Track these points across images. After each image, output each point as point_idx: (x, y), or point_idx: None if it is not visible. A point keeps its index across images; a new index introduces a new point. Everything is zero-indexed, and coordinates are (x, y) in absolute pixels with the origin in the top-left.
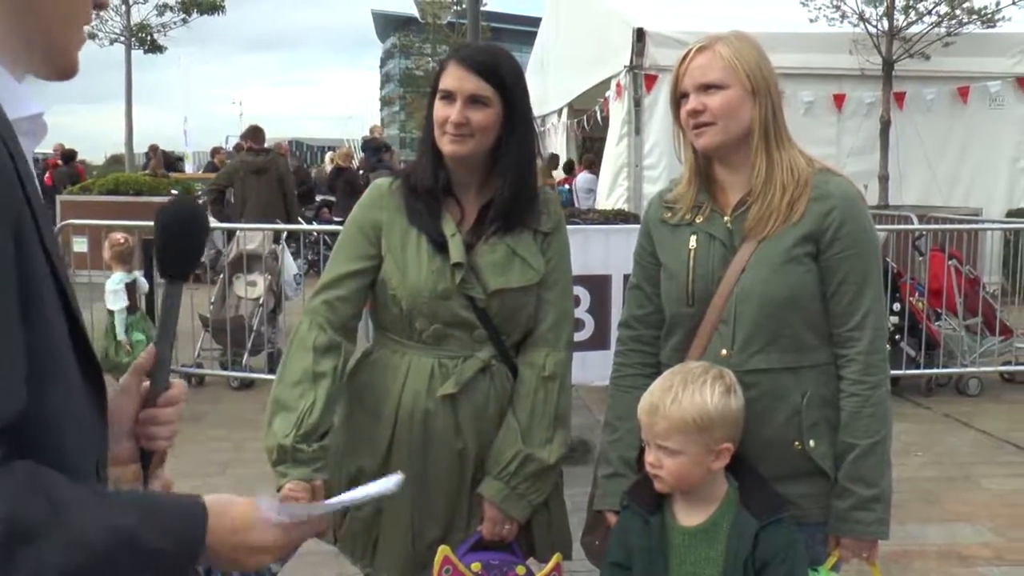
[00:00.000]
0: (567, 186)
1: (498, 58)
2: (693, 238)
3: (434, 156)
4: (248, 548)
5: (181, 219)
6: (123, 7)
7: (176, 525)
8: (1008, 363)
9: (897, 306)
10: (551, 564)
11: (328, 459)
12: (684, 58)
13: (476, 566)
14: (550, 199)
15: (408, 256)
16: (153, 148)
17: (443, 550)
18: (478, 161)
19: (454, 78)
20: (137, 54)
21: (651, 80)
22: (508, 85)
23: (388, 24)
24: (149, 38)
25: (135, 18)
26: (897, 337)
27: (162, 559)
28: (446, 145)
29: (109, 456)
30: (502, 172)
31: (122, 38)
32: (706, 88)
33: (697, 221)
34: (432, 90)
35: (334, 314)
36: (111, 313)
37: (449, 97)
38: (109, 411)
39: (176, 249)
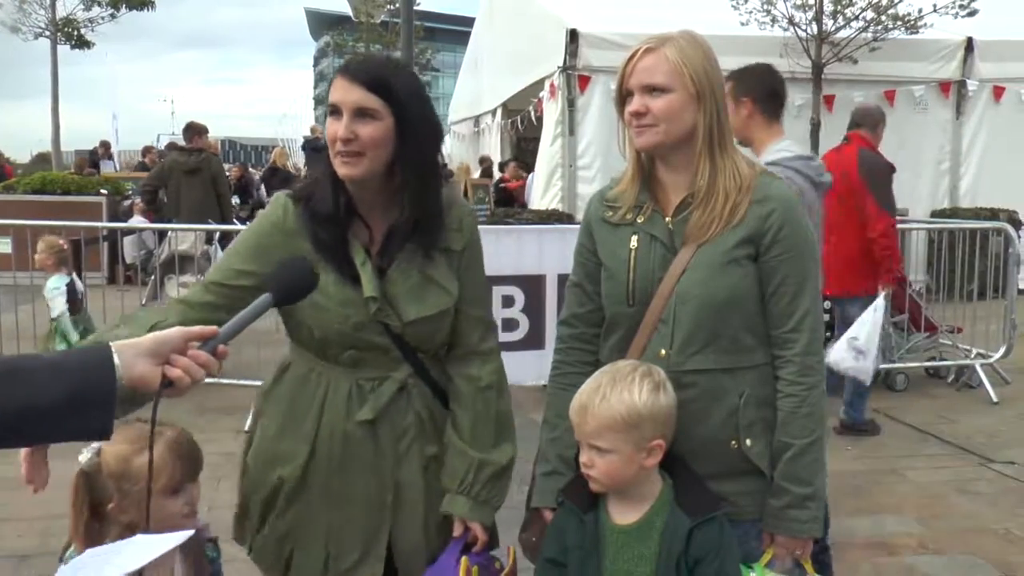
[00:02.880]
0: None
1: (387, 69)
2: (634, 238)
3: (333, 178)
4: None
5: (306, 274)
6: (48, 0)
7: None
8: (933, 359)
9: (828, 304)
10: (511, 552)
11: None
12: (632, 57)
13: (475, 571)
14: (464, 215)
15: (318, 287)
16: (104, 145)
17: (464, 562)
18: (377, 180)
19: (339, 91)
20: (63, 49)
21: (585, 81)
22: (398, 96)
23: (321, 22)
24: (76, 33)
25: (60, 12)
26: (828, 334)
27: None
28: (340, 167)
29: (135, 375)
30: (400, 192)
31: (47, 32)
32: (650, 90)
33: (639, 221)
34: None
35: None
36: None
37: (336, 112)
38: (158, 334)
39: (290, 288)
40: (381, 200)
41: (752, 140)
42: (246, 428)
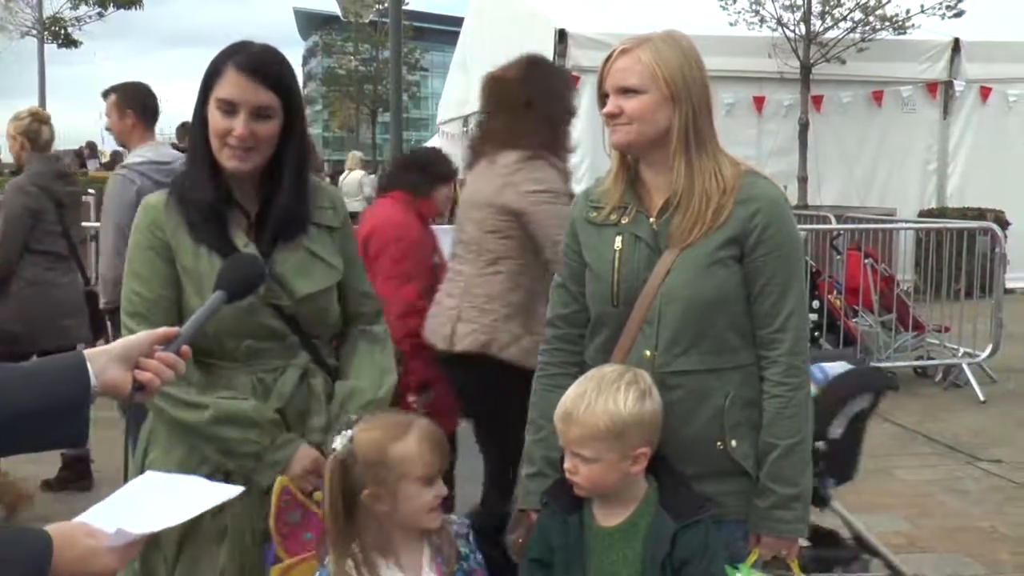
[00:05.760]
0: None
1: (279, 62)
2: (619, 239)
3: (211, 168)
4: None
5: (255, 267)
6: None
7: (19, 559)
8: (921, 358)
9: (816, 304)
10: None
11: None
12: (608, 58)
13: (318, 495)
14: (334, 195)
15: (203, 276)
16: (90, 145)
17: (282, 480)
18: (258, 170)
19: (237, 88)
20: (50, 48)
21: (573, 81)
22: (290, 93)
23: (310, 22)
24: (63, 32)
25: (47, 10)
26: (816, 334)
27: None
28: (228, 160)
29: (108, 381)
30: (283, 180)
31: (34, 31)
32: (624, 92)
33: (623, 222)
34: (202, 94)
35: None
36: None
37: (231, 109)
38: (126, 340)
39: (240, 283)
40: (256, 186)
41: (129, 144)
42: (131, 454)
